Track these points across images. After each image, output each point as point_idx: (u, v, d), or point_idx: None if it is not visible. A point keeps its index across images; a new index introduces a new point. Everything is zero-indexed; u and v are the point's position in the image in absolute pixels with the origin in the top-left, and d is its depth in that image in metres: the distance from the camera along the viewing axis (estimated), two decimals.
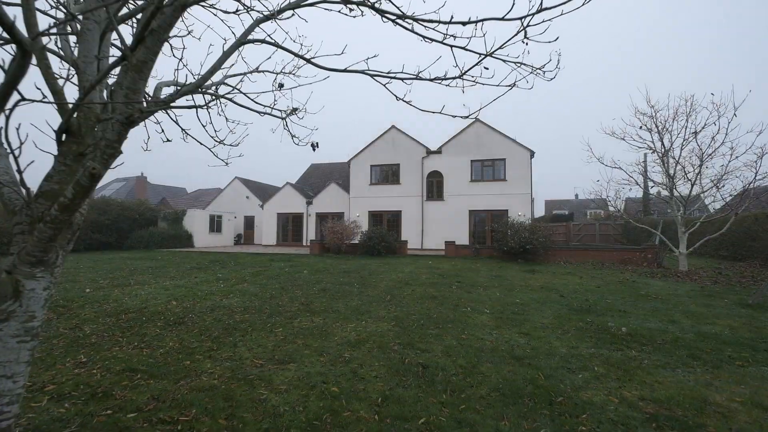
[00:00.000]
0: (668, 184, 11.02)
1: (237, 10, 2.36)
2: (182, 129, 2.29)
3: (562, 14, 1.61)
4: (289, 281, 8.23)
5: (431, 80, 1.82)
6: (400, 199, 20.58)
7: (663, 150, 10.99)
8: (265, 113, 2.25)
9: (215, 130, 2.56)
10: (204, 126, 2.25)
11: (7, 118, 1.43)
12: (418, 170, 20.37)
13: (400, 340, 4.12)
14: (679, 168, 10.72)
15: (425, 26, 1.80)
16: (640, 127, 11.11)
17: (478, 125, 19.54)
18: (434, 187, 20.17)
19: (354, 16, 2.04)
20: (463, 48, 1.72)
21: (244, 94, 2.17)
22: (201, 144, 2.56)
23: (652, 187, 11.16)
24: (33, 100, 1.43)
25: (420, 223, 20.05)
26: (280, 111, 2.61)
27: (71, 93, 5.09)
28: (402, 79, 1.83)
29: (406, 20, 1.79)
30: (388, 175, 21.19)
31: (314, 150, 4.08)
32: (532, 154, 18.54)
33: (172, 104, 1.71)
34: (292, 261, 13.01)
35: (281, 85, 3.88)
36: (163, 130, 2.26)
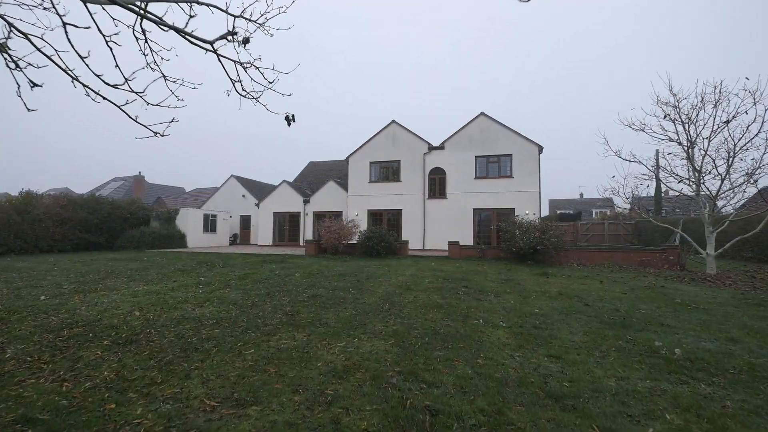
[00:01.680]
0: (695, 178, 10.06)
1: None
2: (64, 69, 1.43)
3: None
4: (277, 286, 7.37)
5: None
6: (400, 197, 19.67)
7: (689, 142, 10.04)
8: (172, 29, 1.37)
9: (126, 79, 1.69)
10: (83, 58, 1.39)
11: None
12: (419, 167, 19.46)
13: (399, 366, 3.25)
14: (707, 161, 9.76)
15: None
16: (665, 117, 10.15)
17: (483, 119, 18.60)
18: (436, 184, 19.24)
19: None
20: None
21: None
22: (105, 98, 1.69)
23: (679, 182, 10.18)
24: None
25: (422, 222, 19.13)
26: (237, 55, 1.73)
27: None
28: None
29: None
30: (388, 172, 20.27)
31: (289, 124, 3.20)
32: (541, 149, 17.57)
33: None
34: (285, 262, 12.14)
35: (246, 40, 3.01)
36: (17, 66, 1.41)
